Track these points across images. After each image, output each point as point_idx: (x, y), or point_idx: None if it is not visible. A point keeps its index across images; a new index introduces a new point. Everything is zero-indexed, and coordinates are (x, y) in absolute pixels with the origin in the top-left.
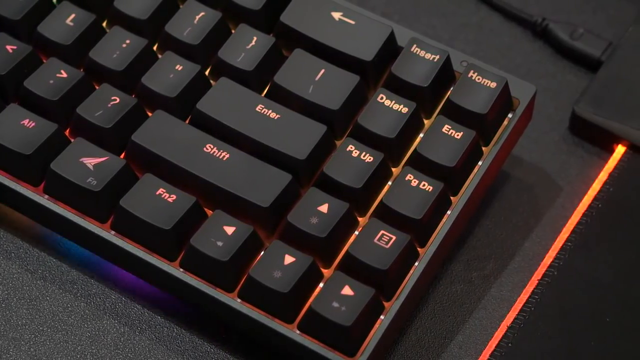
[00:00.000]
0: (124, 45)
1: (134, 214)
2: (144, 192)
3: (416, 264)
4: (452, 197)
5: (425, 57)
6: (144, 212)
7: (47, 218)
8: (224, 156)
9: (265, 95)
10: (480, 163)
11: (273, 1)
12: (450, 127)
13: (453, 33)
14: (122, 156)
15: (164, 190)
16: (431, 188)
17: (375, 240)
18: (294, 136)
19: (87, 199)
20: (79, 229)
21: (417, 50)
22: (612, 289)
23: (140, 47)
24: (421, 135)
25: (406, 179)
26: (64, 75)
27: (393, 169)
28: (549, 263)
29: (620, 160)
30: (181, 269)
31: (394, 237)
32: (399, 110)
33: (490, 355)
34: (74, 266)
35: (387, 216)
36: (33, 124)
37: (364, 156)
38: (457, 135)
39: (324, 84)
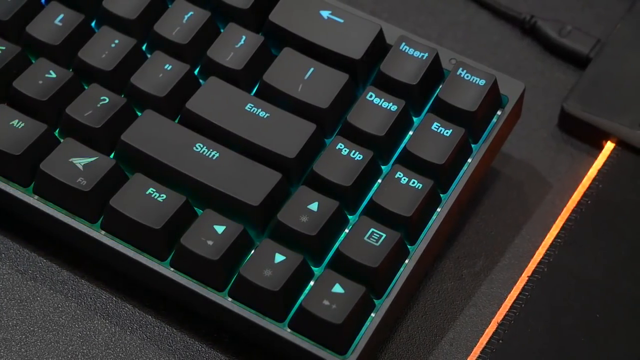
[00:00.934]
0: (113, 45)
1: (124, 213)
2: (134, 192)
3: (406, 261)
4: (441, 195)
5: (414, 55)
6: (134, 211)
7: (37, 218)
8: (213, 155)
9: (255, 95)
10: (469, 160)
11: (262, 0)
12: (439, 124)
13: (442, 31)
14: (111, 156)
15: (154, 190)
16: (421, 186)
17: (366, 238)
18: (283, 135)
19: (77, 199)
20: (69, 229)
21: (405, 48)
22: (601, 285)
23: (129, 47)
24: (410, 133)
25: (396, 176)
26: (53, 75)
27: (383, 167)
28: (538, 260)
29: (609, 156)
30: (172, 269)
31: (384, 235)
32: (388, 108)
33: (481, 352)
34: (64, 266)
35: (377, 214)
36: (22, 125)
37: (353, 154)
38: (446, 132)
39: (313, 82)
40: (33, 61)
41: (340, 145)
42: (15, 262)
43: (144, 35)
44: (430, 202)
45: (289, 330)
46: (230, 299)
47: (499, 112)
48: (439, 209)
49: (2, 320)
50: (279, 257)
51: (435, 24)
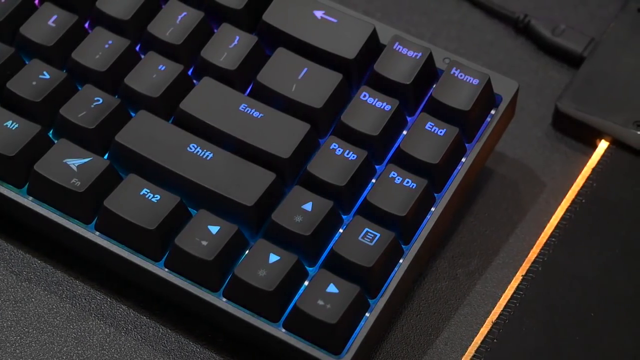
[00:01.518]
0: (107, 46)
1: (118, 214)
2: (128, 193)
3: (401, 261)
4: (435, 194)
5: (408, 54)
6: (128, 212)
7: (32, 219)
8: (207, 156)
9: (249, 95)
10: (463, 160)
11: (255, 0)
12: (433, 124)
13: (435, 30)
14: (105, 157)
15: (148, 191)
16: (415, 185)
17: (360, 237)
18: (277, 135)
19: (71, 199)
20: (63, 230)
21: (399, 48)
22: (596, 284)
23: (122, 48)
24: (404, 132)
25: (390, 176)
26: (47, 76)
27: (377, 167)
28: (533, 259)
29: (603, 155)
30: (166, 269)
31: (378, 235)
32: (382, 107)
33: (475, 351)
34: (59, 267)
35: (371, 214)
36: (16, 126)
37: (347, 154)
38: (440, 132)
39: (307, 82)
40: (27, 62)
41: (334, 145)
42: (10, 263)
43: (137, 35)
44: (425, 201)
45: (283, 330)
46: (224, 299)
47: (492, 112)
48: (433, 209)
49: None
50: (273, 257)
51: (429, 24)
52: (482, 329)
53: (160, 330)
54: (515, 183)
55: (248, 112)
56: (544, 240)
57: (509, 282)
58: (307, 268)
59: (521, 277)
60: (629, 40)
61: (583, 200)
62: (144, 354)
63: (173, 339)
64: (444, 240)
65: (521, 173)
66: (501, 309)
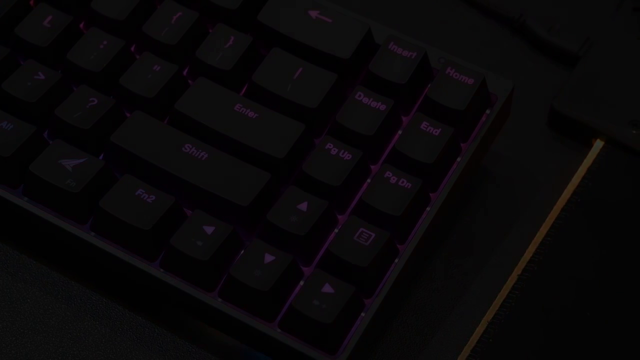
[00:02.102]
0: (102, 47)
1: (113, 215)
2: (123, 193)
3: (396, 260)
4: (431, 194)
5: (403, 54)
6: (123, 213)
7: (27, 220)
8: (202, 156)
9: (244, 95)
10: (458, 159)
11: (250, 0)
12: (428, 123)
13: (431, 30)
14: (100, 157)
15: (143, 191)
16: (410, 185)
17: (355, 237)
18: (272, 135)
19: (66, 200)
20: (58, 231)
21: (394, 48)
22: (592, 283)
23: (118, 48)
24: (399, 132)
25: (385, 176)
26: (42, 77)
27: (372, 167)
28: (529, 258)
29: (599, 154)
30: (161, 269)
31: (373, 235)
32: (377, 107)
33: (471, 351)
34: (54, 268)
35: (367, 214)
36: (11, 126)
37: (342, 154)
38: (435, 132)
39: (302, 82)
40: (22, 63)
41: (330, 145)
42: (5, 264)
43: (132, 36)
44: (420, 201)
45: (279, 330)
46: (220, 300)
47: (488, 111)
48: (428, 208)
49: None
50: (268, 257)
51: (424, 23)
52: (477, 329)
53: (156, 330)
54: (510, 183)
55: (243, 112)
56: (540, 240)
57: (505, 282)
58: (303, 268)
59: (517, 277)
60: (625, 39)
61: (579, 200)
62: (139, 354)
63: (168, 339)
64: (439, 240)
65: (517, 172)
66: (497, 308)
